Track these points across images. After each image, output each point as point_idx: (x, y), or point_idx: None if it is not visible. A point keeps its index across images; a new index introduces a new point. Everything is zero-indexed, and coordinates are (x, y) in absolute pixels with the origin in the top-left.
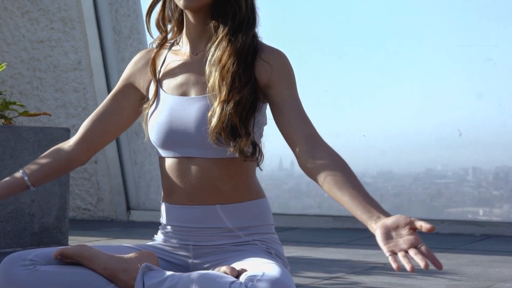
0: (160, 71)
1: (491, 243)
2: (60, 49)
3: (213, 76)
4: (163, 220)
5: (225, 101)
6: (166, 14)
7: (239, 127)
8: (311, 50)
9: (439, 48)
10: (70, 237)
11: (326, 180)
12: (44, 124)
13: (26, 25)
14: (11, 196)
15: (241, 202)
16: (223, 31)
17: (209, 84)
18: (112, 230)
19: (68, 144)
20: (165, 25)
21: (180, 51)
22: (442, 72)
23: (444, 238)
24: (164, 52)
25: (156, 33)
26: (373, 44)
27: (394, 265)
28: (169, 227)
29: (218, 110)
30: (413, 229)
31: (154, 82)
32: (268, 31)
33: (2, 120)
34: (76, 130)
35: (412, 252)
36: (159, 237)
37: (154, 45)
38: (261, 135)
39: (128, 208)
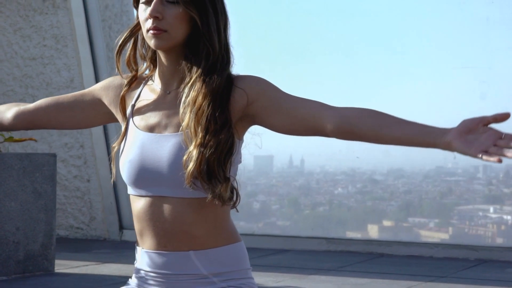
0: (134, 105)
1: (484, 269)
2: (52, 66)
3: (187, 118)
4: (137, 264)
5: (202, 145)
6: (137, 52)
7: (217, 171)
8: (317, 49)
9: (446, 46)
10: (57, 261)
11: (368, 128)
12: (34, 149)
13: (18, 42)
14: None
15: (216, 248)
16: (196, 71)
17: (183, 124)
18: (103, 252)
19: (21, 107)
20: (136, 64)
21: (154, 88)
22: (451, 70)
23: (437, 263)
24: (139, 87)
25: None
26: (380, 42)
27: (493, 159)
28: (143, 272)
29: (194, 154)
30: (486, 125)
31: (124, 119)
32: (274, 30)
33: None
34: (69, 148)
35: (502, 142)
36: (133, 281)
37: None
38: (235, 174)
39: (121, 227)
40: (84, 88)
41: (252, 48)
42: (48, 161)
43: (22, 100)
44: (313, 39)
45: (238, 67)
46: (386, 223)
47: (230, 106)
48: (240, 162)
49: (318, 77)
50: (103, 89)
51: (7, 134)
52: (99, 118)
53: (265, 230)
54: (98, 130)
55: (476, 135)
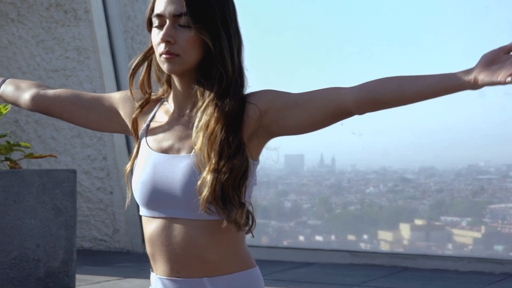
0: (149, 125)
1: (511, 284)
2: (75, 78)
3: (200, 142)
4: None
5: (216, 170)
6: (150, 76)
7: (232, 197)
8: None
9: (467, 49)
10: (78, 276)
11: (389, 90)
12: (57, 160)
13: (41, 53)
14: None
15: (230, 274)
16: (209, 95)
17: (196, 147)
18: (125, 266)
19: (40, 91)
20: (149, 87)
21: (168, 110)
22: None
23: (462, 277)
24: (155, 107)
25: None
26: (407, 40)
27: None
28: None
29: (209, 180)
30: (507, 53)
31: (136, 140)
32: (296, 31)
33: (8, 163)
34: (92, 160)
35: None
36: None
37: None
38: (250, 196)
39: (144, 239)
40: None
41: (271, 47)
42: (68, 177)
43: None
44: (334, 40)
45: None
46: (418, 222)
47: (243, 125)
48: (255, 184)
49: (336, 78)
50: (121, 99)
51: (27, 151)
52: (111, 126)
53: (289, 243)
54: (120, 143)
55: (499, 64)
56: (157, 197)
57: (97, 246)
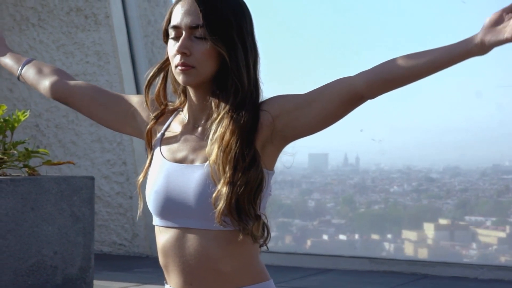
0: (163, 134)
1: None
2: (95, 83)
3: (215, 154)
4: None
5: (231, 183)
6: (166, 87)
7: (247, 209)
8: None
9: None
10: (97, 282)
11: (398, 68)
12: (77, 165)
13: (61, 58)
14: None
15: (244, 287)
16: (224, 108)
17: (211, 159)
18: (144, 271)
19: (63, 80)
20: (165, 98)
21: (183, 120)
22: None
23: (482, 285)
24: (170, 116)
25: None
26: (426, 40)
27: None
28: None
29: (224, 192)
30: (510, 12)
31: (149, 151)
32: (316, 31)
33: (26, 169)
34: (112, 165)
35: None
36: None
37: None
38: (265, 207)
39: None
40: None
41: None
42: (86, 184)
43: (65, 116)
44: (355, 35)
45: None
46: (442, 221)
47: (258, 133)
48: (270, 194)
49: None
50: (139, 104)
51: (46, 157)
52: (124, 128)
53: (308, 249)
54: (140, 148)
55: (504, 24)
56: (171, 206)
57: (117, 251)
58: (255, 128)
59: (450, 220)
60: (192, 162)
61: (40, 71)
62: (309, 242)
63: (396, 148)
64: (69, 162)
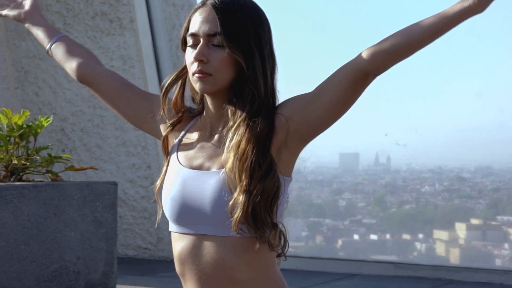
0: (181, 140)
1: None
2: None
3: (231, 162)
4: None
5: (247, 191)
6: (184, 95)
7: (264, 217)
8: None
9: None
10: (119, 287)
11: (401, 39)
12: (102, 169)
13: None
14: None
15: None
16: (240, 115)
17: (227, 167)
18: (168, 275)
19: (91, 64)
20: (182, 106)
21: (201, 127)
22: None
23: None
24: (189, 122)
25: None
26: (447, 38)
27: None
28: None
29: (240, 201)
30: None
31: (165, 157)
32: (332, 27)
33: (49, 175)
34: (136, 169)
35: None
36: None
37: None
38: (282, 214)
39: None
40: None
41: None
42: (109, 190)
43: (91, 120)
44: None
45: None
46: (474, 221)
47: (273, 137)
48: (287, 201)
49: (398, 73)
50: (159, 105)
51: (69, 163)
52: (144, 126)
53: (332, 253)
54: None
55: None
56: (187, 213)
57: (141, 255)
58: (271, 136)
59: (482, 220)
60: (208, 169)
61: (70, 50)
62: (340, 242)
63: (427, 147)
64: (91, 168)
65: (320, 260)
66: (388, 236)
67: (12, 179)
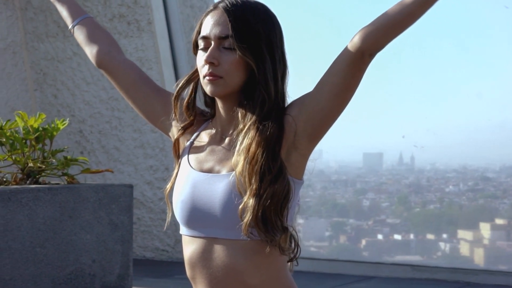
0: (193, 142)
1: None
2: None
3: (241, 166)
4: None
5: (257, 195)
6: (196, 98)
7: (274, 221)
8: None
9: None
10: None
11: (392, 12)
12: (120, 171)
13: None
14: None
15: None
16: (251, 118)
17: (237, 170)
18: (185, 278)
19: (113, 52)
20: (194, 110)
21: (212, 130)
22: None
23: None
24: (201, 125)
25: None
26: (474, 33)
27: None
28: None
29: (250, 204)
30: None
31: (176, 160)
32: (346, 24)
33: (66, 178)
34: (154, 171)
35: None
36: None
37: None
38: (292, 218)
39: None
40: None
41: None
42: (125, 192)
43: (109, 122)
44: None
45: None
46: (499, 221)
47: (283, 141)
48: (298, 204)
49: (393, 76)
50: (168, 104)
51: (86, 165)
52: (157, 123)
53: (353, 254)
54: None
55: None
56: (197, 216)
57: (159, 257)
58: (281, 139)
59: (506, 220)
60: (218, 172)
61: (92, 34)
62: (363, 242)
63: (452, 147)
64: (107, 170)
65: (338, 262)
66: (412, 236)
67: (28, 181)
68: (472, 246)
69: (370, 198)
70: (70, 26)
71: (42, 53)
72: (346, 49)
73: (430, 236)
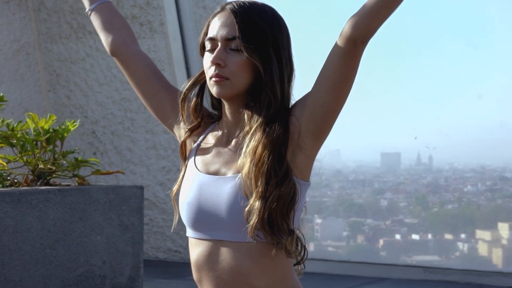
0: (199, 144)
1: None
2: None
3: (247, 168)
4: None
5: (263, 197)
6: (203, 101)
7: (280, 224)
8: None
9: None
10: None
11: None
12: (132, 171)
13: (117, 65)
14: None
15: None
16: (257, 120)
17: (243, 173)
18: None
19: (128, 43)
20: (201, 111)
21: (219, 132)
22: None
23: None
24: (208, 127)
25: None
26: (479, 32)
27: None
28: None
29: (256, 207)
30: None
31: (183, 162)
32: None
33: (76, 179)
34: (167, 172)
35: None
36: None
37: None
38: (299, 220)
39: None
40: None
41: None
42: (135, 194)
43: (121, 123)
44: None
45: None
46: None
47: (289, 141)
48: (305, 206)
49: (411, 76)
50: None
51: (98, 166)
52: (165, 121)
53: (363, 257)
54: None
55: None
56: (203, 218)
57: (172, 257)
58: (287, 142)
59: None
60: (224, 174)
61: (110, 20)
62: (381, 242)
63: (470, 146)
64: (118, 172)
65: (350, 264)
66: (430, 236)
67: (39, 183)
68: (490, 246)
69: (388, 198)
70: (87, 9)
71: (55, 54)
72: (338, 40)
73: (448, 236)
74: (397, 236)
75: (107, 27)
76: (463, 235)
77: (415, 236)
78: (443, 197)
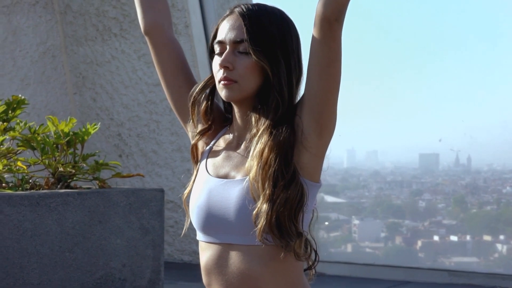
0: (211, 147)
1: None
2: None
3: (254, 171)
4: None
5: (271, 200)
6: (214, 104)
7: (288, 227)
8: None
9: None
10: None
11: None
12: (158, 174)
13: (142, 68)
14: None
15: None
16: (264, 123)
17: (250, 175)
18: None
19: (165, 27)
20: (211, 115)
21: (229, 135)
22: None
23: None
24: (221, 131)
25: None
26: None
27: None
28: None
29: (264, 210)
30: None
31: (194, 165)
32: (388, 26)
33: (97, 182)
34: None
35: None
36: None
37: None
38: (308, 222)
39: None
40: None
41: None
42: (156, 197)
43: (147, 125)
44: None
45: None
46: None
47: (296, 141)
48: (314, 207)
49: (435, 78)
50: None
51: (124, 169)
52: (183, 117)
53: (386, 260)
54: None
55: None
56: (212, 221)
57: (196, 260)
58: (294, 144)
59: None
60: (233, 178)
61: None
62: (419, 243)
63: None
64: (138, 175)
65: (374, 267)
66: (468, 237)
67: (59, 186)
68: None
69: (426, 199)
70: None
71: (81, 57)
72: (314, 27)
73: (486, 238)
74: (436, 238)
75: (147, 4)
76: (502, 237)
77: (454, 238)
78: (482, 198)
